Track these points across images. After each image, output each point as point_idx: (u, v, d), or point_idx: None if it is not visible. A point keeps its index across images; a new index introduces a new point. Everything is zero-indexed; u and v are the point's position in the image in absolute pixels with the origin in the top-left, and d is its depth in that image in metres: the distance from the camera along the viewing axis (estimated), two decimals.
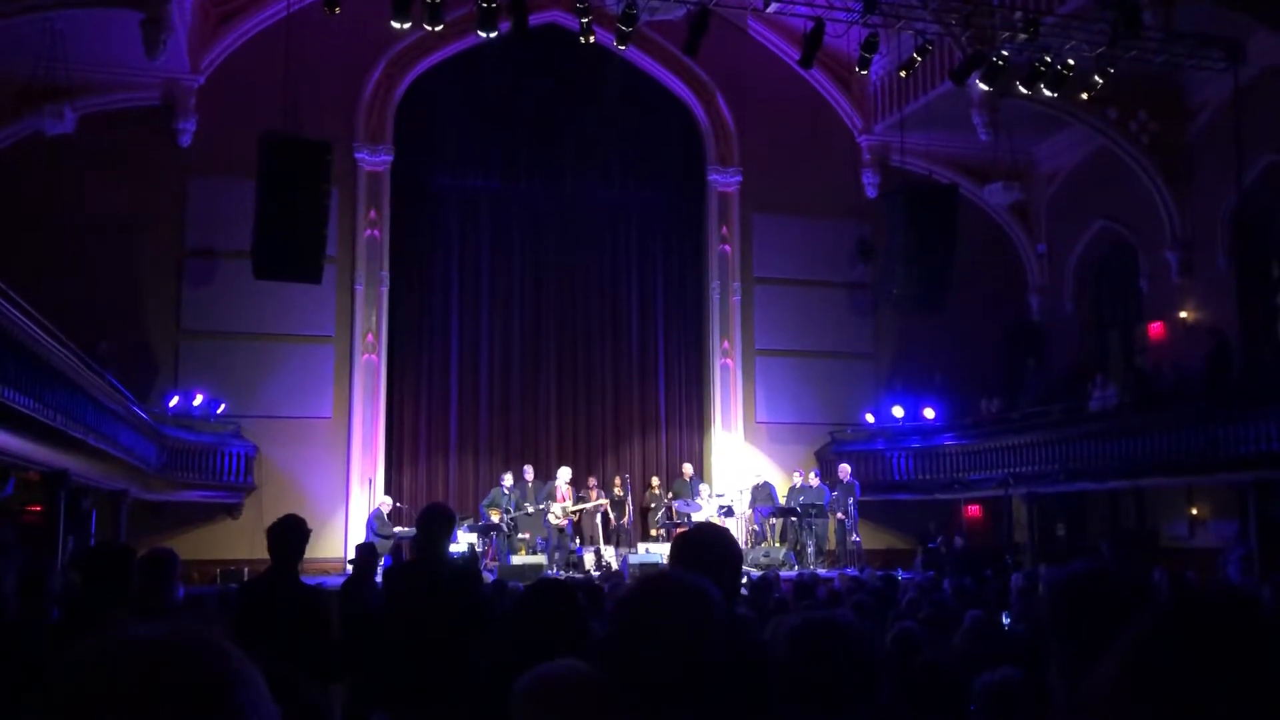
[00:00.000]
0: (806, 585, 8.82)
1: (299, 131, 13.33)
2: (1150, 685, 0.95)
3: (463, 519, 15.92)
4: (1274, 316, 15.93)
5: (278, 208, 13.16)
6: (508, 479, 15.73)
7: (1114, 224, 18.29)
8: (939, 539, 16.85)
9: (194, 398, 15.64)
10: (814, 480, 16.48)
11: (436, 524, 5.16)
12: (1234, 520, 14.35)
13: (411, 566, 5.49)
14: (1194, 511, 15.91)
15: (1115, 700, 0.96)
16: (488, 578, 11.96)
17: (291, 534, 4.93)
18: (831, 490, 16.41)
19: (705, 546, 2.80)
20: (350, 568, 11.24)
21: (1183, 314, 16.80)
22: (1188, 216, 16.74)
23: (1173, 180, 16.81)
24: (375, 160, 17.37)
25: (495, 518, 15.13)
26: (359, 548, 9.45)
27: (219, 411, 15.80)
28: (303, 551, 5.01)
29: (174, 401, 15.35)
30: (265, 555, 4.96)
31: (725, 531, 3.02)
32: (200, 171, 16.30)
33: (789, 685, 2.30)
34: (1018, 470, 15.64)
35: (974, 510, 18.32)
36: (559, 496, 15.40)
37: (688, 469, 17.49)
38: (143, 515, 14.41)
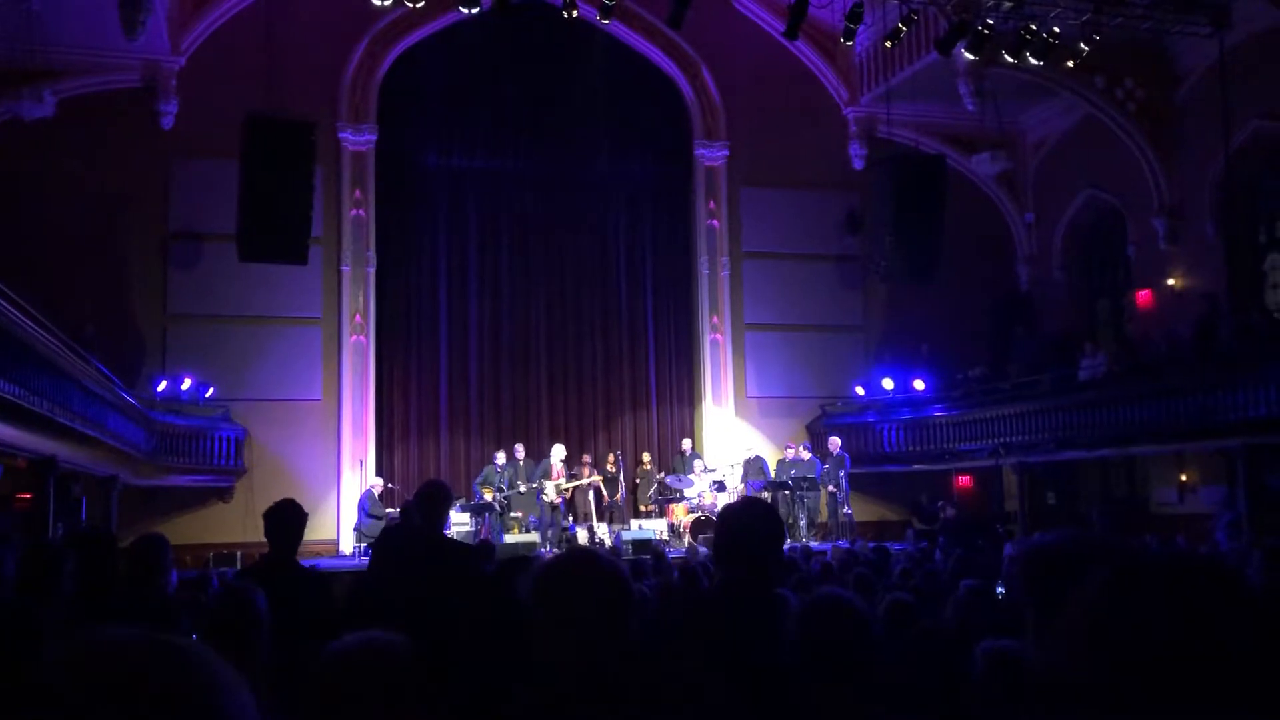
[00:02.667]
0: (798, 559, 8.85)
1: (282, 112, 13.22)
2: (1107, 634, 0.98)
3: (455, 499, 15.91)
4: (1261, 282, 15.96)
5: (262, 189, 13.08)
6: (500, 457, 15.73)
7: (1102, 192, 18.28)
8: (939, 517, 16.82)
9: (182, 382, 15.57)
10: (804, 453, 16.51)
11: (434, 502, 5.13)
12: (1223, 486, 14.43)
13: (410, 541, 5.44)
14: (1184, 478, 16.00)
15: (1076, 647, 0.99)
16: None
17: (289, 519, 4.87)
18: (822, 463, 16.45)
19: (747, 520, 2.87)
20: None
21: (1171, 281, 16.82)
22: (1175, 183, 16.74)
23: (1160, 147, 16.80)
24: (359, 139, 17.25)
25: (489, 496, 15.13)
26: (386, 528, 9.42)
27: (208, 395, 15.75)
28: (301, 536, 4.96)
29: (162, 386, 15.28)
30: (257, 538, 4.91)
31: (768, 505, 3.13)
32: (183, 153, 16.17)
33: (800, 657, 2.38)
34: (1008, 440, 15.69)
35: (965, 480, 18.38)
36: (553, 474, 15.40)
37: (687, 444, 17.53)
38: (133, 501, 14.38)
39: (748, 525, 2.89)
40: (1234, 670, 0.93)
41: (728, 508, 3.14)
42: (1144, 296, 17.42)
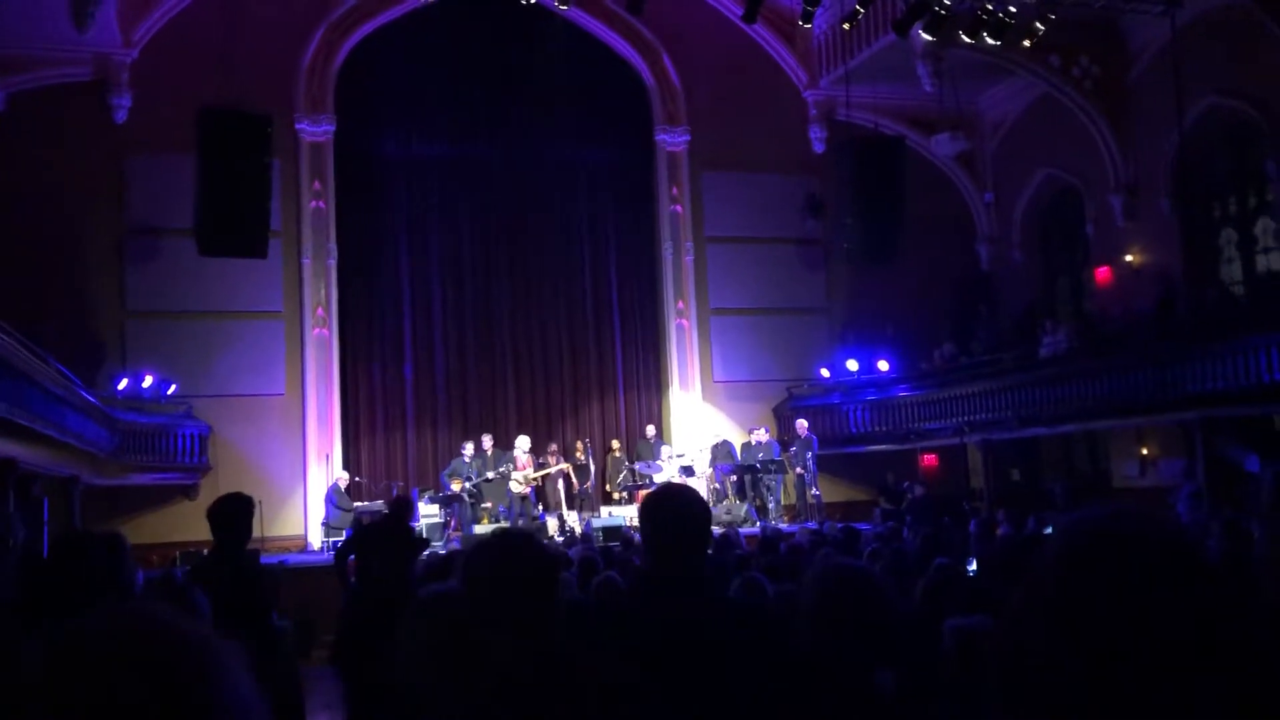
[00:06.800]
0: (770, 541, 8.92)
1: (237, 104, 13.06)
2: (1064, 605, 0.97)
3: (423, 491, 15.88)
4: (1217, 257, 16.19)
5: (219, 183, 12.92)
6: (469, 448, 15.68)
7: (1059, 170, 18.46)
8: (906, 496, 16.94)
9: (143, 379, 15.38)
10: (763, 436, 16.62)
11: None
12: (1183, 458, 14.65)
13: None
14: (1144, 451, 16.22)
15: (1034, 617, 0.99)
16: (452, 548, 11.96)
17: (235, 513, 4.83)
18: (783, 445, 16.59)
19: (671, 506, 2.83)
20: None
21: (1129, 257, 17.02)
22: (1131, 160, 16.92)
23: (1116, 125, 16.98)
24: (317, 130, 17.07)
25: (457, 487, 15.10)
26: (394, 501, 9.30)
27: (170, 392, 15.57)
28: (249, 529, 4.92)
29: (123, 384, 15.09)
30: (211, 534, 4.86)
31: (690, 490, 3.05)
32: (138, 148, 15.94)
33: (811, 628, 2.38)
34: (972, 418, 15.84)
35: (930, 459, 18.55)
36: (519, 465, 15.38)
37: (650, 430, 17.56)
38: (97, 500, 14.20)
39: (673, 513, 2.81)
40: (1192, 640, 0.93)
41: (649, 497, 3.00)
42: (1102, 273, 17.62)
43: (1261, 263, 15.52)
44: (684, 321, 18.62)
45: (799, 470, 16.31)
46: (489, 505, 15.41)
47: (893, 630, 2.47)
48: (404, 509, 8.06)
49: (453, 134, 18.09)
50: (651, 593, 2.81)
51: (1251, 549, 6.76)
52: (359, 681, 4.66)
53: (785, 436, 17.27)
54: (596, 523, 14.50)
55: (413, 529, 8.32)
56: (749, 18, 15.30)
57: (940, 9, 14.40)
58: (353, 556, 7.41)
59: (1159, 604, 0.95)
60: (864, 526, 12.32)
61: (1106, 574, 0.98)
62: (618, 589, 5.22)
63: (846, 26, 15.83)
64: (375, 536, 6.86)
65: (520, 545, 2.26)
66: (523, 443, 15.71)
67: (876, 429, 17.54)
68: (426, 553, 8.26)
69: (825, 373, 18.49)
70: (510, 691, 1.99)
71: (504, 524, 14.83)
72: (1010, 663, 1.00)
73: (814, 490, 16.27)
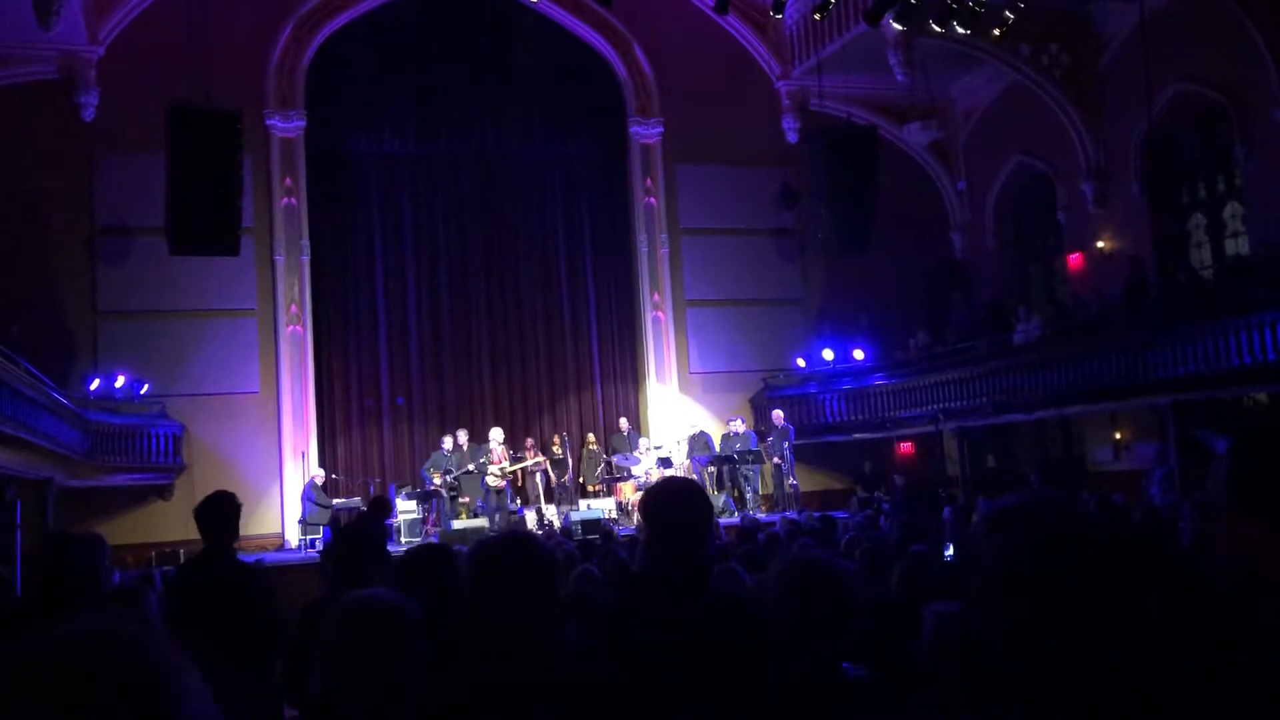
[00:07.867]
0: (748, 531, 8.97)
1: (207, 101, 12.94)
2: (1018, 592, 1.00)
3: (400, 486, 15.85)
4: (1187, 241, 16.34)
5: (189, 180, 12.81)
6: (448, 442, 15.65)
7: (1031, 158, 18.56)
8: (876, 493, 17.05)
9: (116, 379, 15.25)
10: (740, 427, 16.67)
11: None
12: (1156, 442, 14.78)
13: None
14: (1118, 436, 16.36)
15: (993, 600, 1.02)
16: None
17: (221, 511, 4.78)
18: (760, 436, 16.64)
19: (673, 499, 2.81)
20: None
21: (1100, 243, 17.14)
22: (1101, 147, 17.04)
23: (1086, 111, 17.08)
24: (287, 126, 16.95)
25: (438, 481, 15.07)
26: (371, 501, 9.24)
27: (143, 392, 15.44)
28: (236, 527, 4.87)
29: (95, 384, 14.95)
30: (199, 535, 4.80)
31: (692, 483, 3.02)
32: (107, 146, 15.78)
33: (779, 622, 2.39)
34: (947, 406, 15.92)
35: (906, 447, 18.64)
36: (495, 458, 15.35)
37: (624, 424, 17.56)
38: (71, 502, 14.07)
39: (676, 507, 2.77)
40: (1145, 627, 0.94)
41: (651, 491, 2.95)
42: (1075, 259, 17.74)
43: (1230, 247, 15.66)
44: (660, 314, 18.62)
45: (776, 460, 16.37)
46: (466, 500, 15.38)
47: (860, 623, 2.48)
48: (377, 510, 8.00)
49: (425, 128, 18.00)
50: (651, 590, 2.77)
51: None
52: (298, 689, 4.64)
53: (762, 427, 17.32)
54: (575, 516, 14.50)
55: (383, 531, 8.27)
56: (721, 8, 15.31)
57: None
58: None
59: (1111, 595, 0.96)
60: (841, 515, 12.41)
61: (1063, 568, 0.99)
62: (595, 582, 5.22)
63: (818, 17, 15.86)
64: (343, 538, 6.81)
65: (524, 545, 2.29)
66: (496, 435, 15.67)
67: (853, 418, 17.61)
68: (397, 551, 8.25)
69: (801, 363, 18.54)
70: (503, 692, 2.02)
71: (481, 519, 14.82)
72: (974, 654, 1.02)
73: (791, 480, 16.33)
